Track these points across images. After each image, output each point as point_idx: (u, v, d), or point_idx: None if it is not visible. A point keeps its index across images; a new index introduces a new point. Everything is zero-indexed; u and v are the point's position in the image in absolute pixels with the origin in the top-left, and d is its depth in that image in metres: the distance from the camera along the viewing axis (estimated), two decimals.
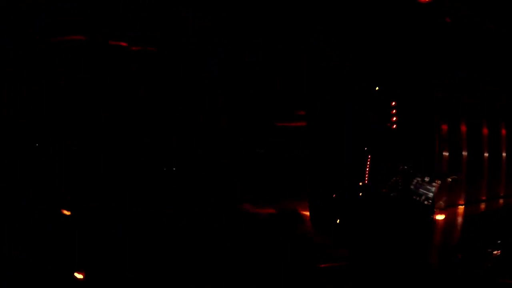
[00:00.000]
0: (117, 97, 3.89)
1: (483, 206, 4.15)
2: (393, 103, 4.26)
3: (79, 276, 3.71)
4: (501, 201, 4.14)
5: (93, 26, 3.90)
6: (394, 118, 4.31)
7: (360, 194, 4.47)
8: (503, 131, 4.16)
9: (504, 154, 4.15)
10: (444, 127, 4.08)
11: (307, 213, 4.09)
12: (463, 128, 4.07)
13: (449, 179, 4.17)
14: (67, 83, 3.87)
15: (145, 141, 3.90)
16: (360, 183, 4.45)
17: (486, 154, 4.12)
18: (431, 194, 4.15)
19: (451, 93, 4.24)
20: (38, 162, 3.82)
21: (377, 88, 4.20)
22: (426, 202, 4.17)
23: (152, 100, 3.92)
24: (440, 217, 4.04)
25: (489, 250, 4.00)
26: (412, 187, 4.26)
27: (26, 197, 3.79)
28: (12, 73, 3.86)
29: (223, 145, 3.94)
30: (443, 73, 4.25)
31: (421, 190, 4.21)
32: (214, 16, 3.98)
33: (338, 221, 4.37)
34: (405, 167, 4.33)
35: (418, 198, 4.21)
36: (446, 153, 4.00)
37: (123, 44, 3.93)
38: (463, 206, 4.10)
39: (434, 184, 4.16)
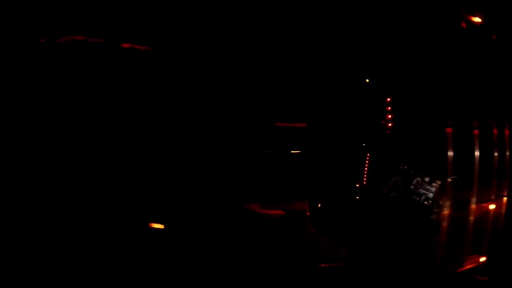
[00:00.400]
0: (117, 97, 3.89)
1: None
2: (389, 99, 4.27)
3: None
4: None
5: (93, 26, 3.90)
6: (390, 116, 4.32)
7: (360, 194, 4.48)
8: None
9: None
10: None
11: (307, 213, 4.09)
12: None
13: (449, 179, 4.18)
14: (67, 83, 3.87)
15: (145, 141, 3.90)
16: (360, 184, 4.45)
17: None
18: (431, 194, 4.15)
19: (451, 93, 4.25)
20: (38, 162, 3.82)
21: (367, 80, 4.21)
22: (426, 202, 4.17)
23: (152, 100, 3.92)
24: (491, 206, 4.25)
25: None
26: (412, 187, 4.27)
27: (26, 197, 3.78)
28: (12, 73, 3.86)
29: (223, 145, 3.94)
30: (443, 73, 4.26)
31: (421, 190, 4.22)
32: (214, 16, 3.98)
33: (338, 221, 4.37)
34: (405, 167, 4.34)
35: (418, 198, 4.21)
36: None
37: (123, 44, 3.93)
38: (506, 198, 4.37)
39: (434, 184, 4.16)
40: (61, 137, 3.83)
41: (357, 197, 4.47)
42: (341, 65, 4.29)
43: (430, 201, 4.16)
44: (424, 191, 4.19)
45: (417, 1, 4.24)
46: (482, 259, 4.27)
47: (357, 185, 4.45)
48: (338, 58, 4.28)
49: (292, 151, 4.04)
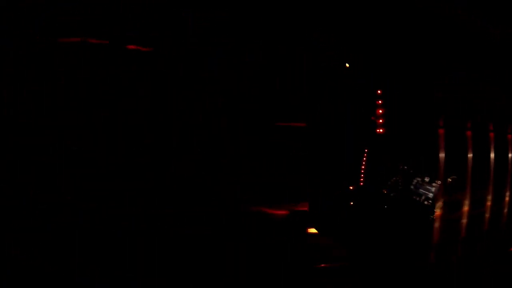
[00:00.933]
0: (117, 97, 3.89)
1: None
2: (379, 92, 4.28)
3: None
4: None
5: (93, 26, 3.90)
6: (381, 111, 4.33)
7: (360, 194, 4.47)
8: None
9: None
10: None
11: (307, 213, 4.09)
12: None
13: (449, 179, 4.18)
14: (67, 83, 3.87)
15: (145, 141, 3.90)
16: (360, 184, 4.45)
17: None
18: (431, 194, 4.15)
19: (451, 93, 4.25)
20: (38, 162, 3.82)
21: (347, 65, 4.22)
22: (426, 202, 4.17)
23: (152, 100, 3.92)
24: None
25: None
26: (412, 187, 4.27)
27: (26, 197, 3.78)
28: (12, 73, 3.86)
29: (223, 145, 3.94)
30: (443, 73, 4.26)
31: (421, 190, 4.21)
32: (214, 16, 3.98)
33: (338, 221, 4.37)
34: (405, 167, 4.34)
35: (418, 198, 4.21)
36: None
37: (123, 44, 3.93)
38: None
39: (434, 184, 4.16)
40: (61, 137, 3.83)
41: (357, 197, 4.47)
42: (341, 65, 4.29)
43: (430, 201, 4.16)
44: (424, 191, 4.19)
45: (417, 2, 4.25)
46: None
47: (356, 186, 4.44)
48: (338, 58, 4.28)
49: (292, 151, 4.04)
